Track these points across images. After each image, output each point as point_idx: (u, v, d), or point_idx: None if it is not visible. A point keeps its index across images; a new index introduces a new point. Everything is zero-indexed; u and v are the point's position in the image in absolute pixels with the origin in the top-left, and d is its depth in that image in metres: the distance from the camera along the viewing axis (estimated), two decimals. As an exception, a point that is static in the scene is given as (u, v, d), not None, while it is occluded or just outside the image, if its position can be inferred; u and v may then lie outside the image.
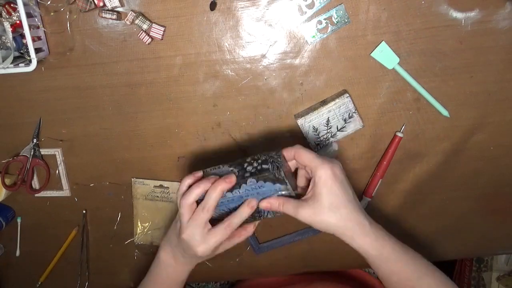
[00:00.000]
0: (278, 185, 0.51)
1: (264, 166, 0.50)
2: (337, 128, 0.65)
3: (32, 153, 0.69)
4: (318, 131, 0.64)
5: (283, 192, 0.51)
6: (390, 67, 0.62)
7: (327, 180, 0.47)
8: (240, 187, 0.51)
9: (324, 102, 0.64)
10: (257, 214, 0.54)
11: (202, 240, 0.51)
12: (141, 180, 0.71)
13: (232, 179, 0.50)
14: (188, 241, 0.51)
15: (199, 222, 0.50)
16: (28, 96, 0.66)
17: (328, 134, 0.65)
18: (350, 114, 0.64)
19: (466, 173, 0.70)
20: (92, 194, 0.73)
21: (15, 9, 0.57)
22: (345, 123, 0.64)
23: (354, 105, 0.63)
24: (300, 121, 0.64)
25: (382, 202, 0.72)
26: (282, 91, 0.65)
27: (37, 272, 0.79)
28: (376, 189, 0.69)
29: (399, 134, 0.66)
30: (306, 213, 0.48)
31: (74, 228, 0.75)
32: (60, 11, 0.60)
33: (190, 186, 0.51)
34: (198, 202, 0.51)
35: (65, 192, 0.72)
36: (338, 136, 0.65)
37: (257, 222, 0.57)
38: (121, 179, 0.71)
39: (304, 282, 0.73)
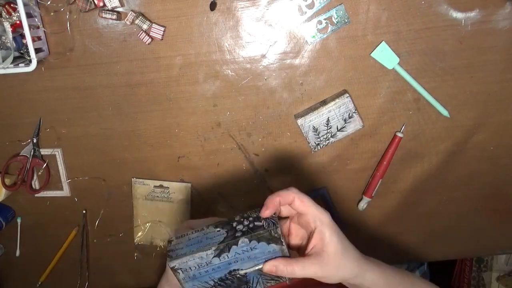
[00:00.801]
0: (272, 246, 0.45)
1: (257, 223, 0.44)
2: (337, 128, 0.65)
3: (32, 153, 0.69)
4: (318, 131, 0.64)
5: (278, 253, 0.45)
6: (390, 67, 0.62)
7: (331, 230, 0.43)
8: (229, 251, 0.45)
9: (324, 102, 0.64)
10: (244, 287, 0.48)
11: None
12: (141, 180, 0.71)
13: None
14: None
15: None
16: (28, 96, 0.66)
17: (328, 134, 0.65)
18: (350, 114, 0.64)
19: (466, 173, 0.70)
20: (92, 194, 0.73)
21: (15, 9, 0.57)
22: (345, 123, 0.64)
23: (354, 105, 0.63)
24: (300, 121, 0.64)
25: (382, 202, 0.72)
26: (282, 91, 0.65)
27: (37, 272, 0.79)
28: (376, 189, 0.69)
29: (399, 134, 0.66)
30: (316, 271, 0.43)
31: (74, 228, 0.75)
32: (60, 11, 0.60)
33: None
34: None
35: (65, 192, 0.72)
36: (338, 136, 0.65)
37: None
38: (121, 179, 0.71)
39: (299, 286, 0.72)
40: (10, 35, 0.58)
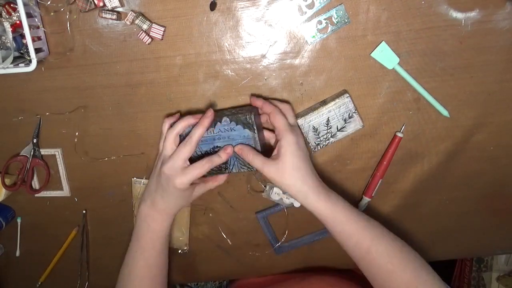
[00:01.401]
0: (247, 131, 0.58)
1: (240, 111, 0.59)
2: (337, 128, 0.65)
3: (32, 153, 0.69)
4: (318, 131, 0.64)
5: (250, 140, 0.58)
6: (390, 67, 0.62)
7: (292, 145, 0.55)
8: (215, 126, 0.59)
9: (324, 102, 0.64)
10: (223, 166, 0.61)
11: (182, 172, 0.56)
12: (141, 180, 0.71)
13: (212, 113, 0.58)
14: (168, 174, 0.57)
15: (181, 155, 0.56)
16: (28, 96, 0.66)
17: (328, 134, 0.65)
18: (350, 114, 0.64)
19: (466, 173, 0.70)
20: (92, 194, 0.73)
21: (15, 9, 0.57)
22: (345, 123, 0.64)
23: (354, 105, 0.63)
24: (300, 121, 0.64)
25: (382, 202, 0.72)
26: (282, 91, 0.65)
27: (37, 272, 0.79)
28: (376, 189, 0.69)
29: (399, 134, 0.66)
30: (270, 170, 0.56)
31: (74, 228, 0.75)
32: (60, 11, 0.60)
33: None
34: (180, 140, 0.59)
35: (65, 192, 0.72)
36: (338, 136, 0.65)
37: (225, 175, 0.64)
38: (121, 179, 0.71)
39: (297, 278, 0.73)
40: (10, 35, 0.58)
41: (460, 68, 0.63)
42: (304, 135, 0.65)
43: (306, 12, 0.60)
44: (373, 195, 0.70)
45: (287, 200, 0.68)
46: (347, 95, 0.63)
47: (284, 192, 0.68)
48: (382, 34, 0.61)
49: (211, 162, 0.57)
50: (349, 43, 0.62)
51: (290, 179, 0.56)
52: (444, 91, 0.64)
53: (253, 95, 0.64)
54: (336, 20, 0.60)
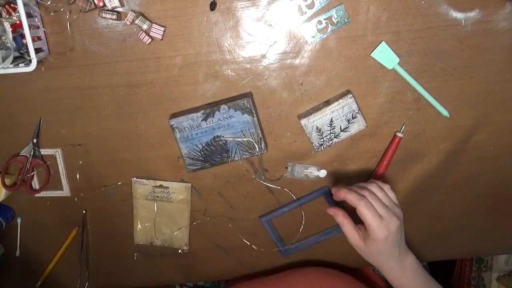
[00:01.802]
0: (246, 116, 0.59)
1: (236, 98, 0.61)
2: (341, 129, 0.65)
3: (32, 153, 0.69)
4: (321, 132, 0.64)
5: (251, 125, 0.60)
6: (390, 67, 0.62)
7: (378, 243, 0.55)
8: (213, 116, 0.60)
9: (327, 103, 0.64)
10: (225, 155, 0.63)
11: None
12: (141, 180, 0.71)
13: None
14: None
15: None
16: (28, 96, 0.66)
17: (331, 134, 0.65)
18: (353, 115, 0.64)
19: (466, 173, 0.70)
20: (92, 194, 0.73)
21: (15, 9, 0.57)
22: (349, 123, 0.64)
23: (357, 105, 0.63)
24: (303, 122, 0.64)
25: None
26: (282, 91, 0.65)
27: (37, 272, 0.79)
28: (376, 189, 0.69)
29: (399, 134, 0.66)
30: (354, 244, 0.58)
31: (74, 228, 0.75)
32: (60, 11, 0.60)
33: None
34: None
35: (65, 192, 0.72)
36: (341, 137, 0.65)
37: None
38: (121, 179, 0.71)
39: (295, 273, 0.73)
40: (10, 35, 0.58)
41: (460, 68, 0.63)
42: (308, 135, 0.65)
43: (306, 12, 0.60)
44: (373, 195, 0.70)
45: (312, 175, 0.68)
46: (351, 95, 0.63)
47: (306, 168, 0.68)
48: (382, 34, 0.61)
49: None
50: (349, 43, 0.62)
51: (371, 260, 0.59)
52: (444, 91, 0.64)
53: (333, 188, 0.59)
54: (336, 20, 0.60)
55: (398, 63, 0.62)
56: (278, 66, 0.63)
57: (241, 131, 0.62)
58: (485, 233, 0.76)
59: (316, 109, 0.64)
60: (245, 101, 0.59)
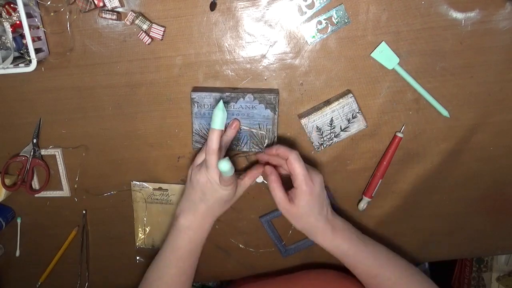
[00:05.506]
0: (268, 111, 0.59)
1: (263, 90, 0.61)
2: (341, 128, 0.65)
3: (32, 153, 0.69)
4: (321, 131, 0.64)
5: (270, 121, 0.61)
6: (390, 67, 0.62)
7: (305, 196, 0.57)
8: (236, 102, 0.60)
9: (327, 102, 0.64)
10: (235, 143, 0.63)
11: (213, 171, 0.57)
12: (140, 183, 0.71)
13: (237, 124, 0.61)
14: (204, 181, 0.58)
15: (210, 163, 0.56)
16: (28, 96, 0.66)
17: (331, 134, 0.65)
18: (353, 114, 0.64)
19: (466, 173, 0.70)
20: (92, 194, 0.73)
21: (15, 9, 0.57)
22: (349, 123, 0.64)
23: (358, 105, 0.63)
24: (303, 121, 0.64)
25: (382, 202, 0.72)
26: (282, 91, 0.65)
27: (37, 272, 0.79)
28: (376, 189, 0.69)
29: (399, 134, 0.66)
30: (287, 210, 0.59)
31: (74, 228, 0.75)
32: (60, 11, 0.60)
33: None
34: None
35: (65, 192, 0.72)
36: (341, 136, 0.65)
37: (259, 170, 0.63)
38: (121, 179, 0.71)
39: (304, 275, 0.73)
40: (10, 35, 0.58)
41: (460, 68, 0.63)
42: (308, 135, 0.65)
43: (306, 12, 0.60)
44: (373, 195, 0.70)
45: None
46: (351, 95, 0.63)
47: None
48: (382, 34, 0.61)
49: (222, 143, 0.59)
50: (349, 43, 0.62)
51: (301, 224, 0.61)
52: (444, 91, 0.64)
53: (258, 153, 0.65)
54: (336, 20, 0.60)
55: (398, 63, 0.62)
56: (278, 66, 0.63)
57: (259, 124, 0.62)
58: (485, 233, 0.76)
59: (316, 108, 0.64)
60: (272, 96, 0.60)
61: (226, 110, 0.59)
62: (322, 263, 0.78)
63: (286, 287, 0.71)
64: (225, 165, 0.51)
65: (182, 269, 0.63)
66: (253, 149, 0.63)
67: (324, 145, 0.66)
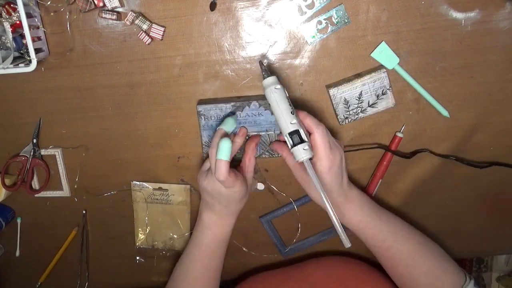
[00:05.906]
0: (274, 117, 0.56)
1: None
2: (368, 103, 0.63)
3: (32, 153, 0.69)
4: (348, 104, 0.63)
5: (277, 127, 0.59)
6: (390, 67, 0.62)
7: (322, 175, 0.55)
8: (242, 110, 0.59)
9: (359, 75, 0.62)
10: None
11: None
12: (140, 183, 0.71)
13: (245, 132, 0.60)
14: (211, 187, 0.58)
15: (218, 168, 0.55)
16: (28, 96, 0.66)
17: (358, 108, 0.63)
18: (383, 91, 0.62)
19: (466, 173, 0.70)
20: (92, 194, 0.73)
21: (15, 9, 0.57)
22: (378, 99, 0.63)
23: (389, 81, 0.62)
24: (332, 91, 0.62)
25: (382, 202, 0.72)
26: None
27: (37, 272, 0.79)
28: (376, 189, 0.69)
29: (399, 134, 0.66)
30: (298, 177, 0.60)
31: (74, 228, 0.75)
32: (60, 11, 0.60)
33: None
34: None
35: (65, 192, 0.72)
36: (368, 112, 0.64)
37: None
38: (121, 179, 0.71)
39: (311, 263, 0.74)
40: (10, 35, 0.58)
41: (460, 68, 0.63)
42: (334, 106, 0.64)
43: (306, 12, 0.60)
44: (373, 195, 0.70)
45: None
46: (384, 70, 0.61)
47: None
48: (382, 34, 0.61)
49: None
50: (349, 43, 0.62)
51: (314, 194, 0.61)
52: (444, 91, 0.64)
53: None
54: (336, 20, 0.60)
55: (398, 63, 0.62)
56: (278, 66, 0.63)
57: (266, 130, 0.62)
58: (485, 233, 0.76)
59: (347, 80, 0.62)
60: None
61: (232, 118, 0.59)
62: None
63: (293, 276, 0.70)
64: (226, 147, 0.52)
65: (208, 264, 0.64)
66: (264, 155, 0.63)
67: (349, 120, 0.64)
